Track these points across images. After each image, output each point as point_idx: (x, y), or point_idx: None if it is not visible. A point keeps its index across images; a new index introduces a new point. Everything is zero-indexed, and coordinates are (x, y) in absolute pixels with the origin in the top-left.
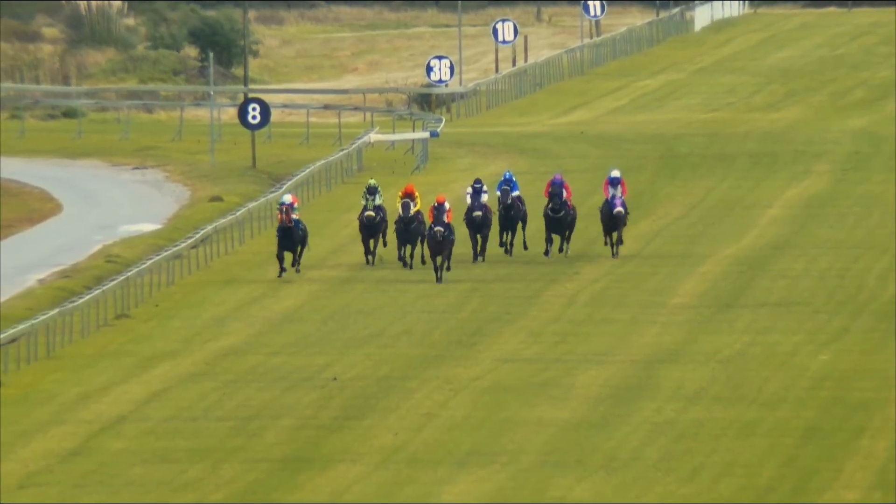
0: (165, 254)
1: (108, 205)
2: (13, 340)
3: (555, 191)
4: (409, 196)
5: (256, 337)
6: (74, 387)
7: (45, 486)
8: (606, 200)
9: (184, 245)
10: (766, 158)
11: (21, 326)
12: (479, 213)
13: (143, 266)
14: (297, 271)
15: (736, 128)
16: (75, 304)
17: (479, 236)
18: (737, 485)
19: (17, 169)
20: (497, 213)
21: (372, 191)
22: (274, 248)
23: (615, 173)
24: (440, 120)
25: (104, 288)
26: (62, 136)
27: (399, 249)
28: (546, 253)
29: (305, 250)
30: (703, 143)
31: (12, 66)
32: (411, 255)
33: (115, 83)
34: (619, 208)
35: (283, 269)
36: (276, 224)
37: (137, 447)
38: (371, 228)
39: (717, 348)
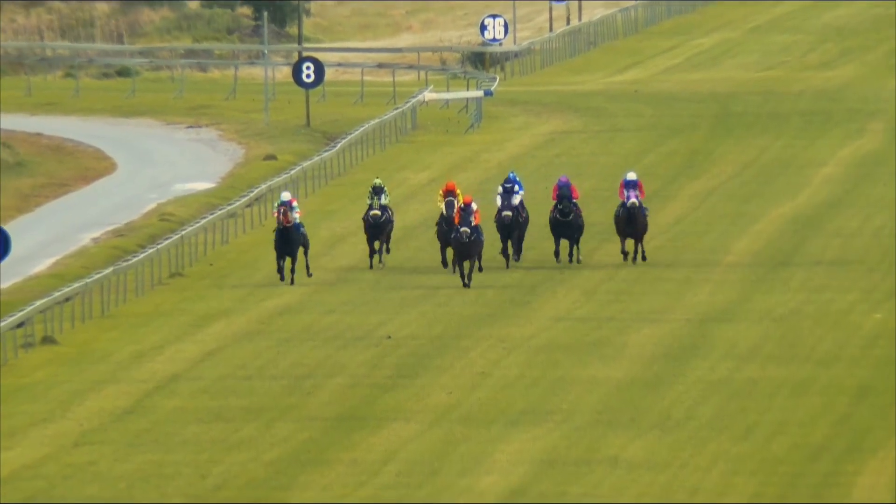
0: (220, 212)
1: (163, 163)
2: (68, 299)
3: (563, 193)
4: (451, 194)
5: (310, 295)
6: (129, 345)
7: (100, 444)
8: (622, 203)
9: (238, 204)
10: (820, 117)
11: (76, 285)
12: (509, 213)
13: (198, 225)
14: (309, 275)
15: (790, 86)
16: (130, 262)
17: (510, 240)
18: (790, 443)
19: (72, 127)
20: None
21: (377, 191)
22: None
23: (631, 175)
24: (494, 79)
25: (158, 247)
26: (116, 94)
27: (442, 252)
28: (556, 255)
29: (308, 252)
30: (757, 102)
31: (67, 24)
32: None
33: (169, 42)
34: (633, 199)
35: (282, 276)
36: (275, 226)
37: (191, 406)
38: (376, 228)
39: (771, 307)
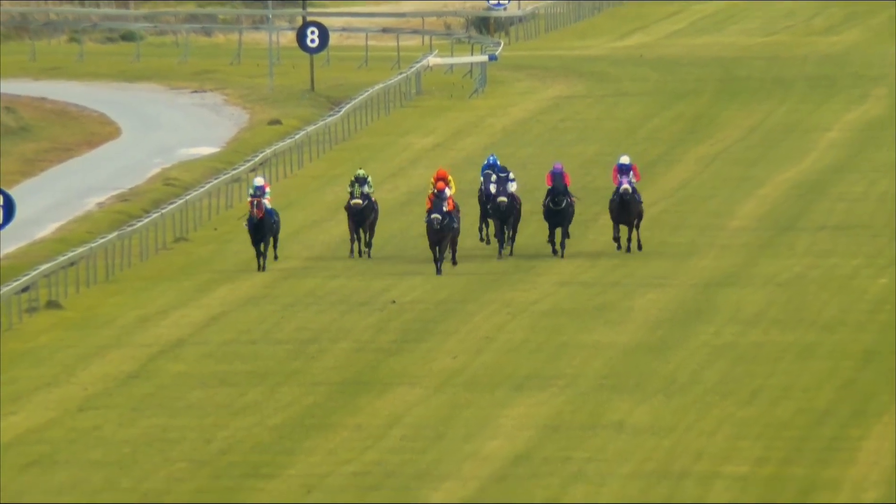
0: (224, 177)
1: (167, 128)
2: (72, 264)
3: (556, 183)
4: (442, 180)
5: (315, 260)
6: (133, 310)
7: (104, 408)
8: (616, 189)
9: (242, 168)
10: (825, 82)
11: (80, 250)
12: (504, 198)
13: (202, 189)
14: (276, 258)
15: (795, 51)
16: (134, 227)
17: (505, 227)
18: (795, 407)
19: (77, 92)
20: (480, 202)
21: (361, 181)
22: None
23: (624, 159)
24: (499, 43)
25: (163, 211)
26: (121, 59)
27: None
28: (553, 251)
29: (278, 237)
30: (761, 67)
31: None
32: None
33: (174, 6)
34: (625, 185)
35: (261, 261)
36: (247, 216)
37: (196, 370)
38: (358, 216)
39: (776, 271)
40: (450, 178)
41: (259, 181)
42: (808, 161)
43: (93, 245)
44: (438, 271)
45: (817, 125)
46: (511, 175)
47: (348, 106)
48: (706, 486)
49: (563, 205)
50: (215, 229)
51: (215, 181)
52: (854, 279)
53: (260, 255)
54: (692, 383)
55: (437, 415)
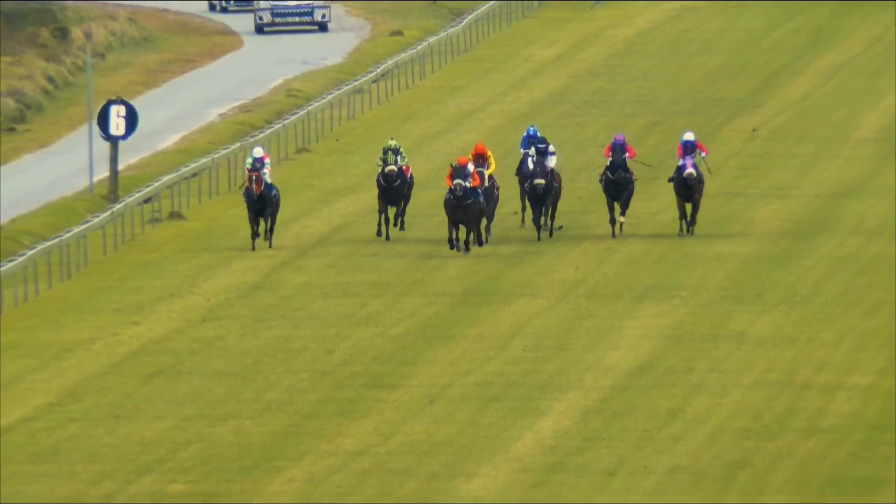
0: (346, 88)
1: (289, 39)
2: (195, 175)
3: (616, 157)
4: (480, 157)
5: (436, 171)
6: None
7: (227, 319)
8: (679, 168)
9: (364, 79)
10: None
11: (202, 161)
12: (541, 180)
13: (324, 100)
14: (270, 246)
15: None
16: (256, 138)
17: (542, 208)
18: None
19: (198, 3)
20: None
21: (394, 152)
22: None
23: (689, 136)
24: None
25: (285, 122)
26: None
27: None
28: (611, 222)
29: (276, 217)
30: None
31: None
32: (486, 229)
33: None
34: (689, 169)
35: (254, 241)
36: (245, 186)
37: (318, 281)
38: (390, 191)
39: None
40: (489, 153)
41: (258, 152)
42: None
43: (215, 156)
44: (466, 249)
45: None
46: (551, 148)
47: (470, 17)
48: (828, 396)
49: (622, 175)
50: (337, 140)
51: (337, 92)
52: None
53: (255, 234)
54: (814, 294)
55: (559, 325)
